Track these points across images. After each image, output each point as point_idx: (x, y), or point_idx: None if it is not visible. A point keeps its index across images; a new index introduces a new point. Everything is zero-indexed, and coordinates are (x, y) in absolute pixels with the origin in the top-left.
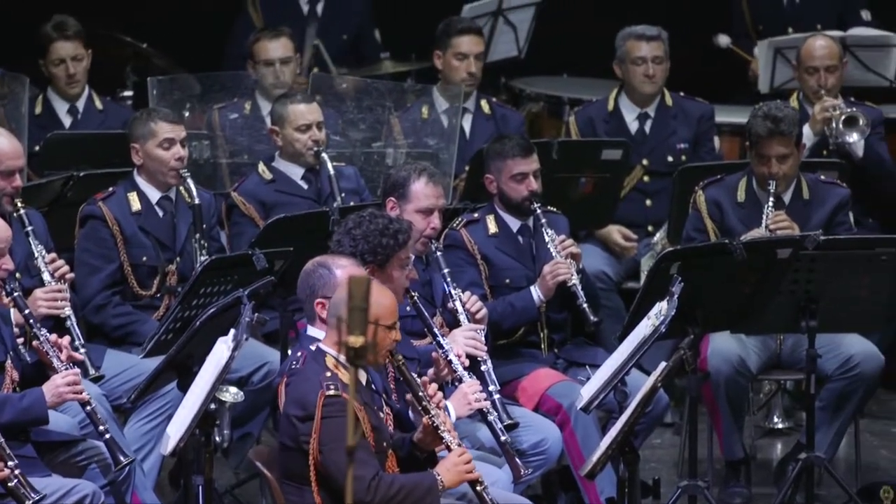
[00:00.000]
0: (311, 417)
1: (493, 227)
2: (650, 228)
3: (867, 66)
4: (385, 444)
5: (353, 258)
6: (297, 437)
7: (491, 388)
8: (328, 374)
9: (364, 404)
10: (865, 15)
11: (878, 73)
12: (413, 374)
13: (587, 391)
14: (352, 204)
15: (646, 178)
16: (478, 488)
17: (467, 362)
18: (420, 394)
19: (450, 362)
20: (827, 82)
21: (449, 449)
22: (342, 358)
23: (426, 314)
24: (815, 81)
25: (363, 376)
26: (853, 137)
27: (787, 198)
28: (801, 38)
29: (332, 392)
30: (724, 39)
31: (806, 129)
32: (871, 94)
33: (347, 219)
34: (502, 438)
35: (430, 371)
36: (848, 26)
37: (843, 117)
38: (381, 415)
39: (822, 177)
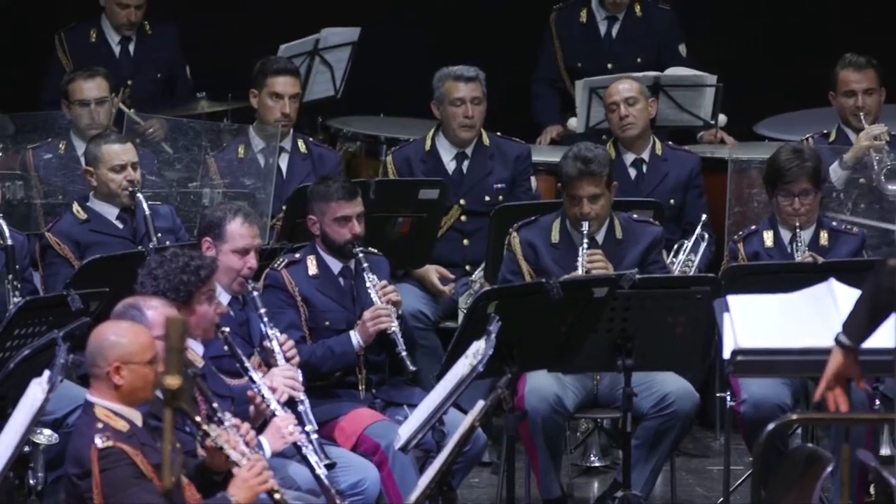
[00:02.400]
0: (90, 474)
1: (313, 269)
2: (468, 268)
3: (681, 105)
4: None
5: (163, 298)
6: (81, 496)
7: (308, 428)
8: (99, 425)
9: (142, 445)
10: (682, 49)
11: (692, 112)
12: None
13: (405, 431)
14: (168, 244)
15: (463, 218)
16: (276, 497)
17: (283, 398)
18: (197, 418)
19: (263, 397)
20: (629, 114)
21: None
22: (114, 406)
23: (238, 350)
24: (617, 115)
25: (138, 417)
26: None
27: (600, 238)
28: (613, 78)
29: (103, 444)
30: (573, 122)
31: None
32: (684, 134)
33: (150, 260)
34: (317, 472)
35: (251, 409)
36: (666, 62)
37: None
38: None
39: (636, 216)
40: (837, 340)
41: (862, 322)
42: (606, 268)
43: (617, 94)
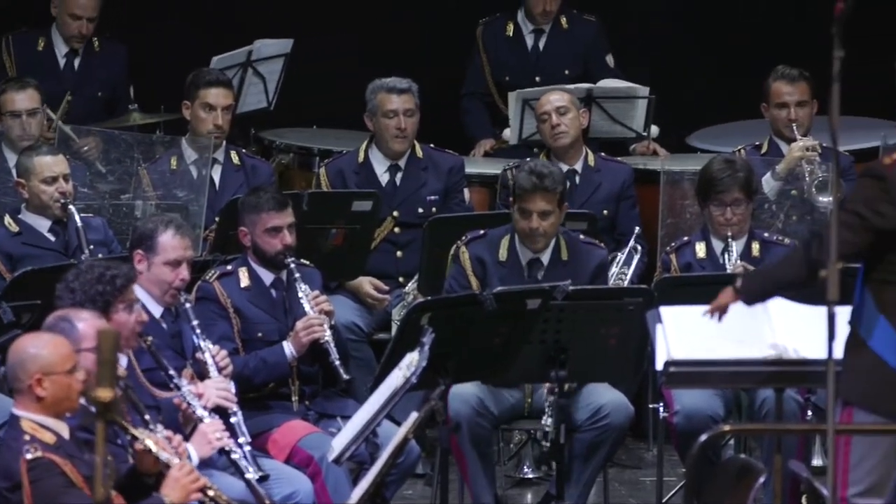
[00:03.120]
0: (20, 486)
1: (245, 281)
2: (401, 279)
3: (614, 117)
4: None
5: (94, 310)
6: None
7: (242, 439)
8: (26, 437)
9: (69, 457)
10: (610, 60)
11: (625, 124)
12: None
13: (338, 443)
14: (100, 256)
15: (396, 230)
16: (210, 493)
17: (209, 403)
18: (123, 423)
19: (189, 404)
20: (560, 124)
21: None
22: (39, 418)
23: (162, 359)
24: (549, 125)
25: (65, 429)
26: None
27: (545, 258)
28: (547, 90)
29: (32, 455)
30: (507, 132)
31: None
32: (617, 146)
33: (67, 273)
34: (247, 476)
35: (179, 415)
36: (594, 73)
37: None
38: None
39: (582, 236)
40: (734, 284)
41: (767, 284)
42: None
43: (548, 104)
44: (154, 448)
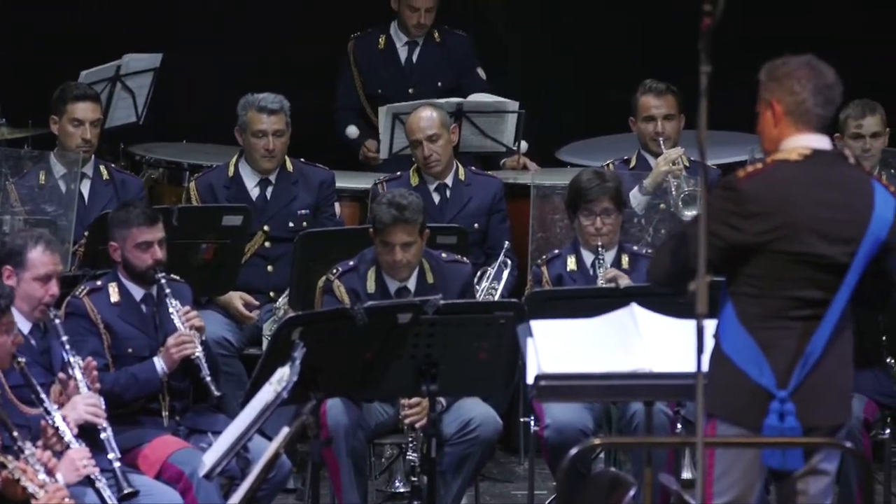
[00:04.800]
0: None
1: (115, 296)
2: (272, 294)
3: (484, 131)
4: None
5: None
6: None
7: (111, 455)
8: None
9: None
10: (481, 73)
11: (495, 138)
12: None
13: (209, 458)
14: None
15: (267, 244)
16: None
17: (76, 430)
18: None
19: (57, 429)
20: (432, 154)
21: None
22: None
23: (33, 381)
24: (421, 153)
25: None
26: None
27: (412, 284)
28: (416, 104)
29: None
30: (352, 130)
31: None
32: (487, 160)
33: None
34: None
35: (40, 442)
36: (466, 86)
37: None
38: None
39: (444, 255)
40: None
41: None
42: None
43: (420, 133)
44: (22, 479)
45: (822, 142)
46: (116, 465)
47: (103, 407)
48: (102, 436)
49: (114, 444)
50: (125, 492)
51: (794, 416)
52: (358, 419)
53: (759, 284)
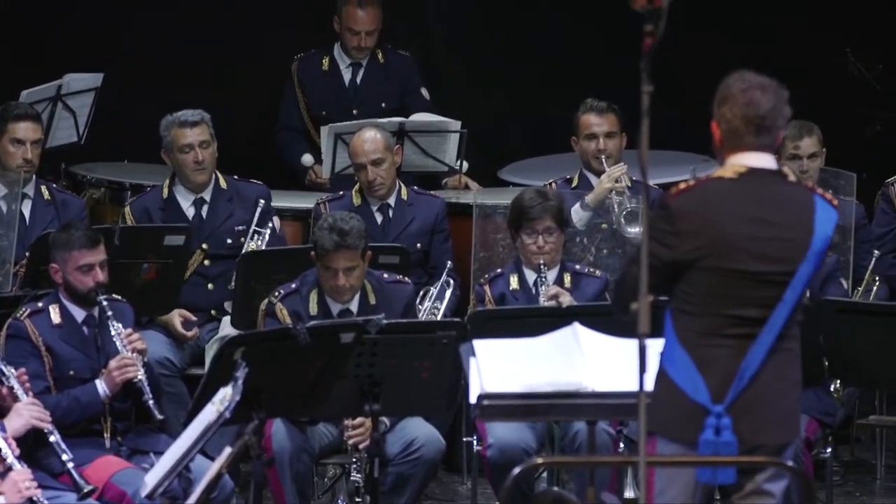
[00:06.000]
0: None
1: (57, 318)
2: (213, 312)
3: (426, 151)
4: None
5: None
6: None
7: (65, 457)
8: None
9: None
10: (424, 93)
11: (437, 158)
12: None
13: (151, 478)
14: None
15: (206, 262)
16: None
17: (17, 451)
18: None
19: None
20: (377, 178)
21: None
22: None
23: None
24: (365, 177)
25: None
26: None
27: (354, 306)
28: (358, 124)
29: None
30: (307, 159)
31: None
32: (429, 179)
33: None
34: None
35: None
36: (410, 105)
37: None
38: None
39: (386, 275)
40: None
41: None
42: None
43: (363, 156)
44: None
45: (761, 160)
46: (70, 465)
47: (47, 412)
48: (52, 439)
49: (64, 446)
50: (85, 490)
51: (730, 430)
52: (303, 443)
53: (697, 302)
